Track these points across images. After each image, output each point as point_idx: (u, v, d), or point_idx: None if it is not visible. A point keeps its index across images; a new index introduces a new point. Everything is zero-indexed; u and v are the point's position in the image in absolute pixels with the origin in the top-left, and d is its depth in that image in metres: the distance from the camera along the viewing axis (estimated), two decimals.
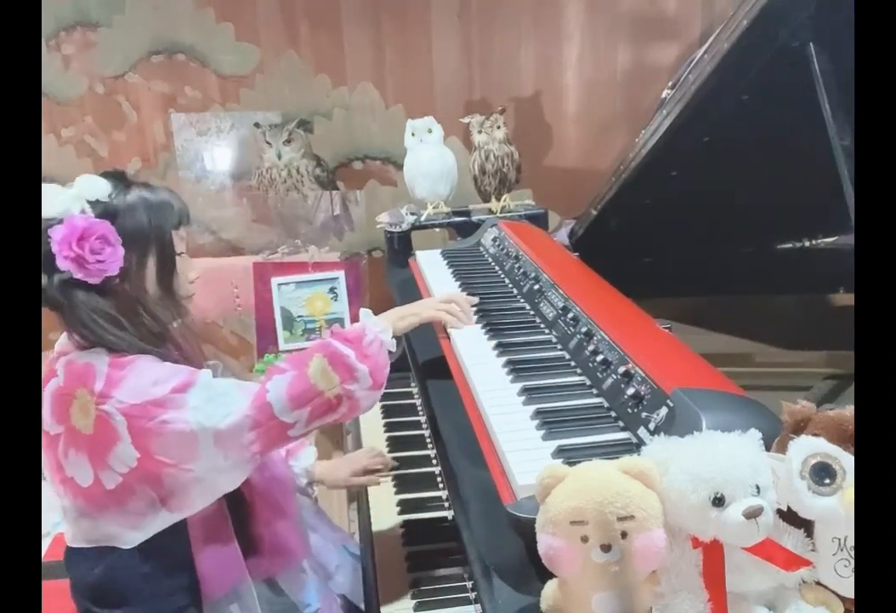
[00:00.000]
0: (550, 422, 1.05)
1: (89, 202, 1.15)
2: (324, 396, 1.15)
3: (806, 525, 0.80)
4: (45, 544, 2.27)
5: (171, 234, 1.21)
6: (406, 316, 1.35)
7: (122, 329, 1.14)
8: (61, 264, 1.11)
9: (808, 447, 0.77)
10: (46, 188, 1.14)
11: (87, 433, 1.11)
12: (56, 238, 1.10)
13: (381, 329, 1.26)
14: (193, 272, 1.29)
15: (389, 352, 1.26)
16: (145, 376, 1.11)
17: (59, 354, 1.18)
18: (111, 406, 1.09)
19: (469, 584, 1.22)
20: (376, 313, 1.33)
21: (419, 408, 1.78)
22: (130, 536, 1.16)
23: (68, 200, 1.14)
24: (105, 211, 1.15)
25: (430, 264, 1.86)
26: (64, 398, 1.13)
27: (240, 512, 1.26)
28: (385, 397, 1.58)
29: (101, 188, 1.16)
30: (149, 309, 1.19)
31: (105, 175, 1.20)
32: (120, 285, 1.17)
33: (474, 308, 1.48)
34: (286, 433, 1.15)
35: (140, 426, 1.09)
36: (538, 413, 1.08)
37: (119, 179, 1.20)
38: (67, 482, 1.14)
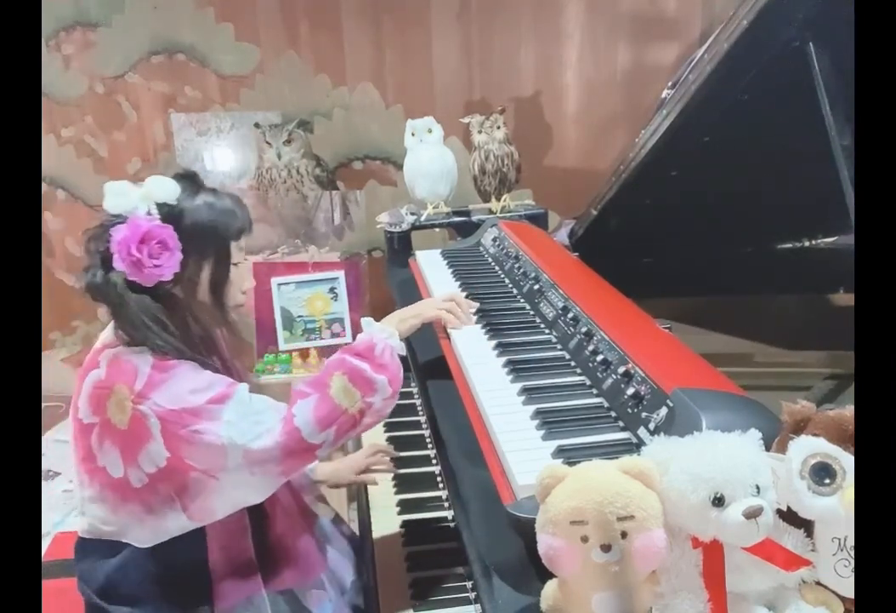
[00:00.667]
0: (550, 422, 1.05)
1: (156, 204, 1.14)
2: (348, 413, 1.17)
3: (806, 525, 0.80)
4: (45, 544, 2.27)
5: (231, 244, 1.21)
6: (407, 318, 1.34)
7: (169, 333, 1.14)
8: (118, 264, 1.11)
9: (807, 447, 0.77)
10: (115, 185, 1.15)
11: (121, 427, 1.11)
12: (117, 238, 1.10)
13: (388, 335, 1.26)
14: (247, 282, 1.28)
15: (400, 356, 1.26)
16: (185, 383, 1.12)
17: (103, 346, 1.18)
18: (148, 408, 1.10)
19: (469, 584, 1.22)
20: (376, 314, 1.33)
21: (419, 408, 1.78)
22: (145, 535, 1.16)
23: (136, 199, 1.13)
24: (170, 214, 1.15)
25: (430, 264, 1.86)
26: (102, 392, 1.13)
27: (260, 524, 1.26)
28: None
29: (169, 191, 1.15)
30: (196, 315, 1.19)
31: (176, 177, 1.19)
32: (171, 290, 1.17)
33: (472, 309, 1.47)
34: (314, 454, 1.17)
35: (173, 432, 1.10)
36: (538, 413, 1.08)
37: (189, 181, 1.19)
38: (98, 471, 1.15)
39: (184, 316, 1.18)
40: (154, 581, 1.19)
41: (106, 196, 1.15)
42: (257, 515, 1.24)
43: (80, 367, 1.21)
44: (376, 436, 1.73)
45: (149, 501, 1.14)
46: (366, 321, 1.30)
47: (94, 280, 1.14)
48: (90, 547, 1.23)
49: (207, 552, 1.20)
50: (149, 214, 1.14)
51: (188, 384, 1.12)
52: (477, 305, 1.49)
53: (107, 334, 1.20)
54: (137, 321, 1.13)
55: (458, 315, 1.41)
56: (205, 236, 1.18)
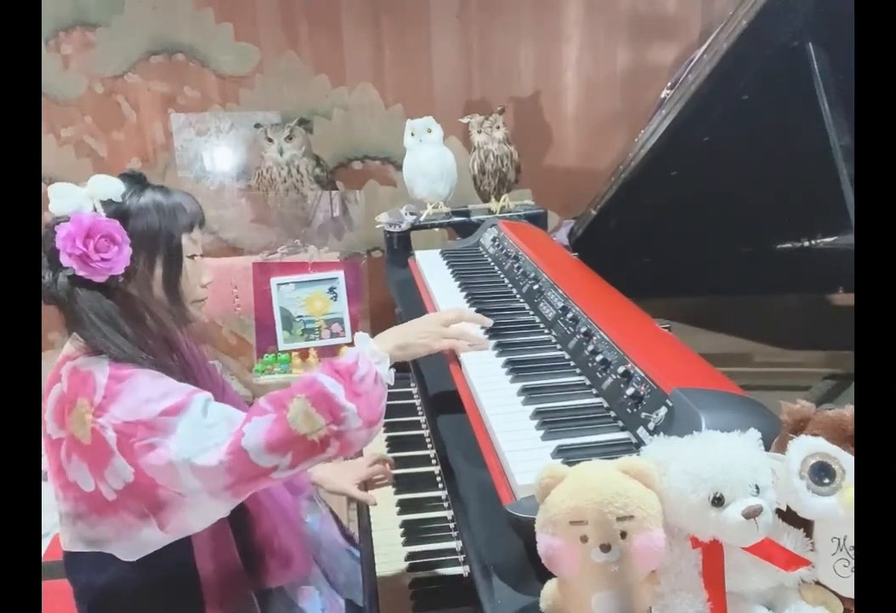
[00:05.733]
0: (550, 422, 1.05)
1: (101, 202, 1.14)
2: (307, 439, 1.08)
3: (806, 525, 0.80)
4: (45, 544, 2.27)
5: (181, 237, 1.20)
6: (410, 346, 1.25)
7: (122, 335, 1.12)
8: (65, 260, 1.10)
9: (807, 447, 0.77)
10: (58, 187, 1.14)
11: (85, 442, 1.09)
12: (61, 235, 1.10)
13: (378, 360, 1.17)
14: (206, 277, 1.27)
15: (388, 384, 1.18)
16: (140, 393, 1.09)
17: (65, 358, 1.16)
18: (106, 421, 1.07)
19: (469, 584, 1.22)
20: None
21: (419, 408, 1.78)
22: (126, 548, 1.14)
23: (80, 199, 1.14)
24: (116, 212, 1.15)
25: (430, 264, 1.86)
26: (65, 406, 1.11)
27: (243, 523, 1.24)
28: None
29: (113, 189, 1.15)
30: (153, 313, 1.17)
31: (122, 176, 1.19)
32: (125, 286, 1.15)
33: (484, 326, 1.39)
34: (268, 476, 1.10)
35: (128, 445, 1.06)
36: (538, 413, 1.08)
37: (135, 180, 1.20)
38: (69, 486, 1.13)
39: (139, 314, 1.16)
40: (145, 594, 1.17)
41: (50, 200, 1.14)
42: (240, 516, 1.22)
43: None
44: (377, 436, 1.73)
45: (122, 515, 1.10)
46: (360, 337, 1.22)
47: (44, 282, 1.12)
48: (78, 561, 1.20)
49: (195, 560, 1.18)
50: (94, 212, 1.14)
51: (143, 393, 1.09)
52: (490, 322, 1.38)
53: (68, 345, 1.18)
54: (87, 322, 1.11)
55: (469, 339, 1.31)
56: (153, 231, 1.17)
